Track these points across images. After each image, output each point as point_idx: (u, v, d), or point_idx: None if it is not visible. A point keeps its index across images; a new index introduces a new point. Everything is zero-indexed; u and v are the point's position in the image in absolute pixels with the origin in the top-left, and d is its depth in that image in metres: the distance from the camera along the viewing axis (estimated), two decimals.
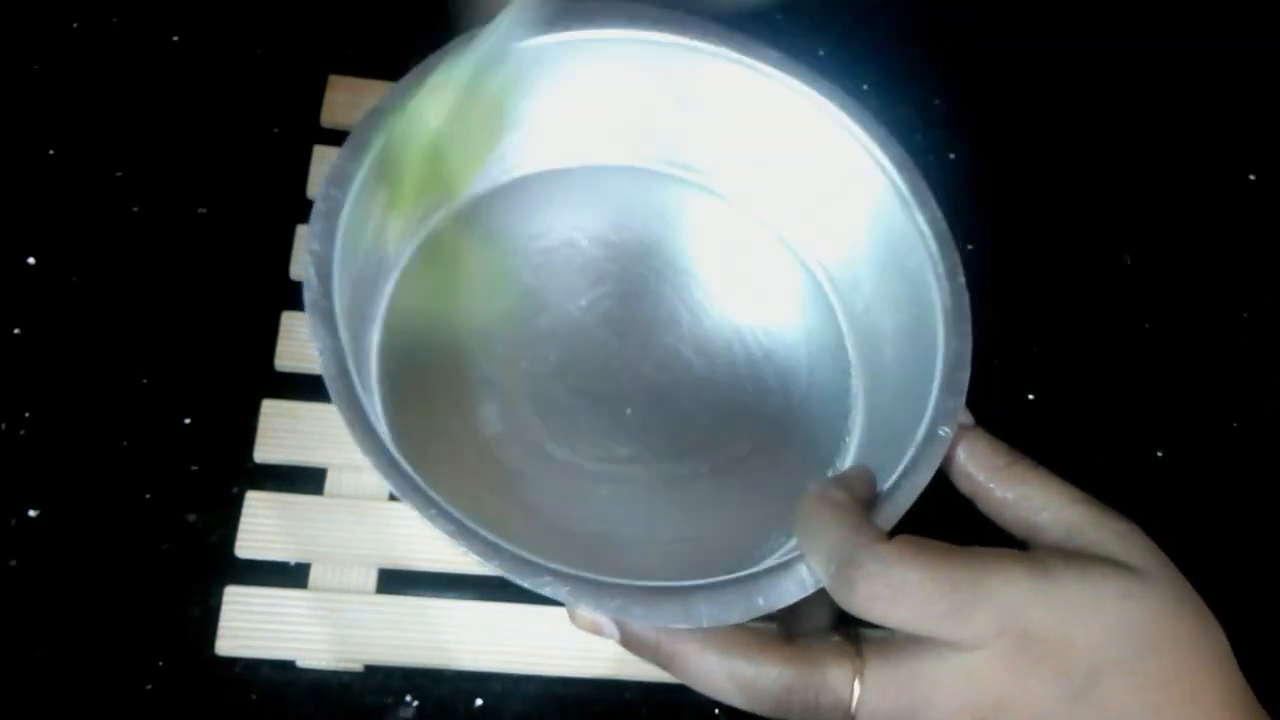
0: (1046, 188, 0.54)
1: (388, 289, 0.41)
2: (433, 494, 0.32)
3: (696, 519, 0.40)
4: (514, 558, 0.32)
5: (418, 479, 0.33)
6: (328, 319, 0.34)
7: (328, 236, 0.36)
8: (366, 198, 0.38)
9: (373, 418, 0.34)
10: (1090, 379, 0.49)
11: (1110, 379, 0.49)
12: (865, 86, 0.54)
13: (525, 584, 0.31)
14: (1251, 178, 0.56)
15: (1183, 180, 0.55)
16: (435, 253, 0.43)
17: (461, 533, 0.32)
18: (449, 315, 0.42)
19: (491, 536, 0.32)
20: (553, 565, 0.32)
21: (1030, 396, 0.48)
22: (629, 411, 0.41)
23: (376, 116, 0.38)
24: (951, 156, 0.53)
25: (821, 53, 0.54)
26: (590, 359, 0.42)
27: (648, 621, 0.31)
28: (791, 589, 0.32)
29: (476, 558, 0.32)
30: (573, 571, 0.32)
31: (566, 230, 0.44)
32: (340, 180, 0.37)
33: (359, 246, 0.38)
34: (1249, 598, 0.38)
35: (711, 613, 0.31)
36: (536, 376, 0.41)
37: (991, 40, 0.57)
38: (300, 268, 0.44)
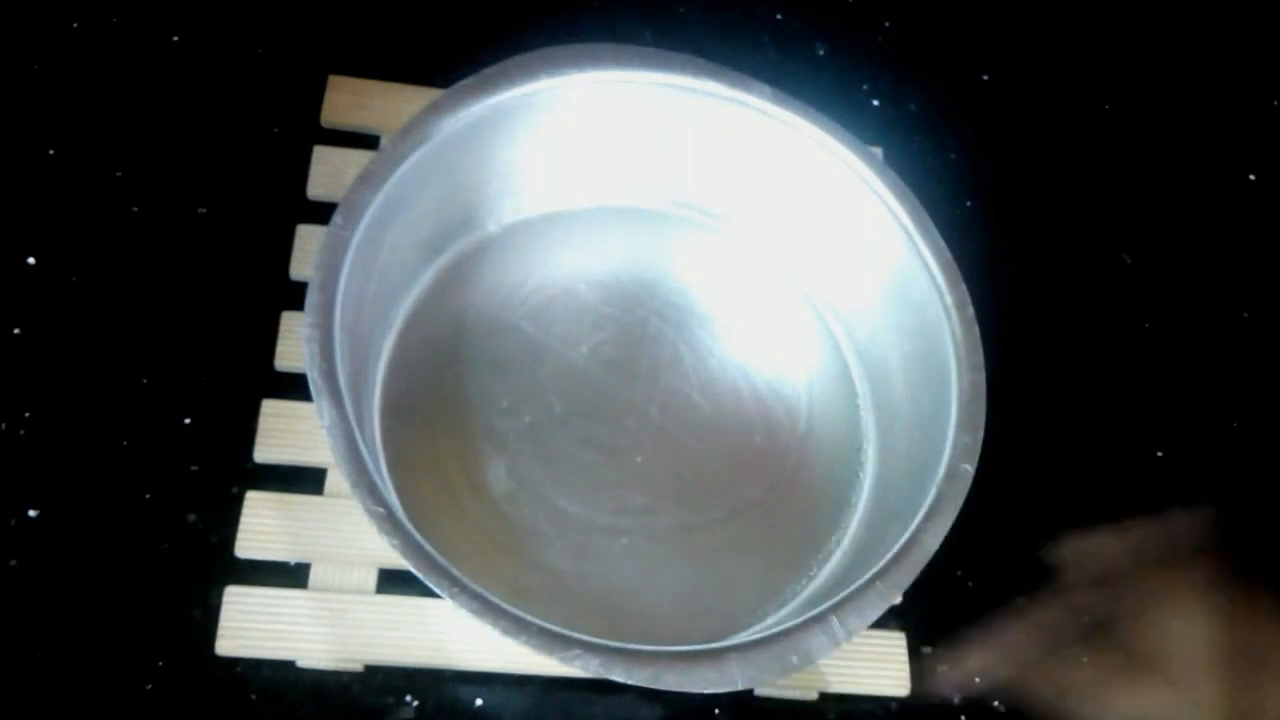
0: (1046, 187, 0.54)
1: (385, 352, 0.41)
2: (455, 571, 0.32)
3: (716, 566, 0.39)
4: (541, 632, 0.31)
5: (438, 556, 0.32)
6: (334, 395, 0.34)
7: (326, 309, 0.35)
8: (361, 264, 0.37)
9: (381, 487, 0.33)
10: (1090, 379, 0.49)
11: (1110, 379, 0.49)
12: (865, 86, 0.54)
13: (555, 659, 0.31)
14: (1251, 178, 0.56)
15: (1183, 180, 0.55)
16: (431, 311, 0.42)
17: (485, 610, 0.31)
18: (449, 373, 0.42)
19: (515, 611, 0.31)
20: (581, 637, 0.31)
21: (1030, 398, 0.48)
22: (639, 459, 0.41)
23: (368, 181, 0.37)
24: (952, 157, 0.53)
25: (821, 52, 0.54)
26: (596, 407, 0.42)
27: (681, 688, 0.31)
28: (824, 643, 0.31)
29: (502, 635, 0.31)
30: (602, 642, 0.31)
31: (565, 277, 0.44)
32: (335, 248, 0.36)
33: (355, 314, 0.37)
34: (1250, 597, 0.38)
35: (745, 674, 0.31)
36: (542, 429, 0.41)
37: (992, 40, 0.57)
38: (301, 268, 0.44)
